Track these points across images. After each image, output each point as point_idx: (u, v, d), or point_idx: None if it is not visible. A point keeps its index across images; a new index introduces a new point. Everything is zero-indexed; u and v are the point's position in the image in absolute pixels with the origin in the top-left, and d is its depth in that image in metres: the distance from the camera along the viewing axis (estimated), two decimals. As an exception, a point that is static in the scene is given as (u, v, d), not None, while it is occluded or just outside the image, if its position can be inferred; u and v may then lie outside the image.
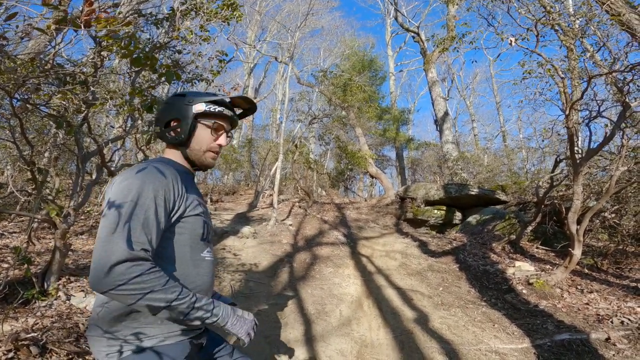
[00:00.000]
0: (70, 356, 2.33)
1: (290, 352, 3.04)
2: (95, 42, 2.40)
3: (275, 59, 12.95)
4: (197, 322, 1.08)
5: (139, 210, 1.00)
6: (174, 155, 1.27)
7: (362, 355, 3.07)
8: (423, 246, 6.67)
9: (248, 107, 1.38)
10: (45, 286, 3.10)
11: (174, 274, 1.12)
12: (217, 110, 1.24)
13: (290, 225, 7.95)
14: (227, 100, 1.29)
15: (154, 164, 1.12)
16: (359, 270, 5.33)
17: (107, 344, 1.07)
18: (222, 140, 1.28)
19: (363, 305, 4.13)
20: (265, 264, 5.35)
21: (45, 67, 2.21)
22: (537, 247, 6.15)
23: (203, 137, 1.25)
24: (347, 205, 10.78)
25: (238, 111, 1.39)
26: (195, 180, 1.36)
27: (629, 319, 3.47)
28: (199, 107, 1.22)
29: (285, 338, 3.29)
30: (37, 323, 2.61)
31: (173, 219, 1.11)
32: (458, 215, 9.04)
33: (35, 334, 2.40)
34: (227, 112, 1.27)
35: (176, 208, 1.11)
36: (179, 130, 1.23)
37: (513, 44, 4.59)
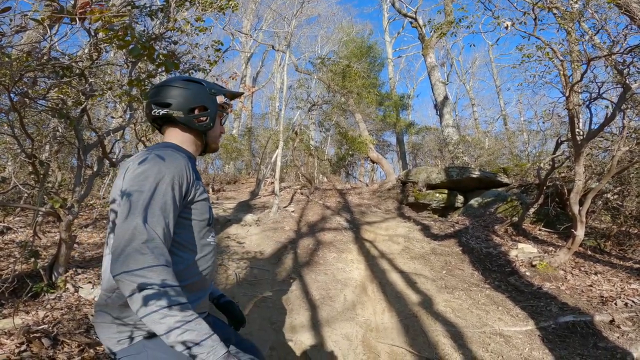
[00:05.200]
0: (82, 347, 2.37)
1: (296, 337, 3.09)
2: (90, 35, 2.38)
3: (272, 47, 12.79)
4: (179, 345, 0.92)
5: (158, 196, 1.02)
6: (181, 140, 1.29)
7: (367, 340, 3.11)
8: (426, 230, 6.70)
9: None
10: (53, 279, 3.14)
11: (186, 259, 1.15)
12: (229, 102, 1.38)
13: (293, 211, 7.98)
14: (232, 92, 1.43)
15: (167, 150, 1.14)
16: (362, 254, 5.38)
17: (117, 330, 1.07)
18: (222, 126, 1.42)
19: (367, 289, 4.17)
20: (269, 251, 5.39)
21: (42, 61, 2.19)
22: (539, 229, 6.17)
23: (218, 125, 1.36)
24: (348, 191, 10.81)
25: None
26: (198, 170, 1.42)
27: (633, 301, 3.48)
28: (221, 98, 1.33)
29: (291, 324, 3.33)
30: (47, 315, 2.65)
31: (184, 205, 1.14)
32: (460, 198, 9.05)
33: (46, 327, 2.44)
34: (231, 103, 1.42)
35: (189, 194, 1.14)
36: (204, 118, 1.29)
37: (509, 28, 4.53)
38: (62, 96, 2.92)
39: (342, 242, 5.95)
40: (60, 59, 2.42)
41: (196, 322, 0.94)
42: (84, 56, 2.61)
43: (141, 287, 0.91)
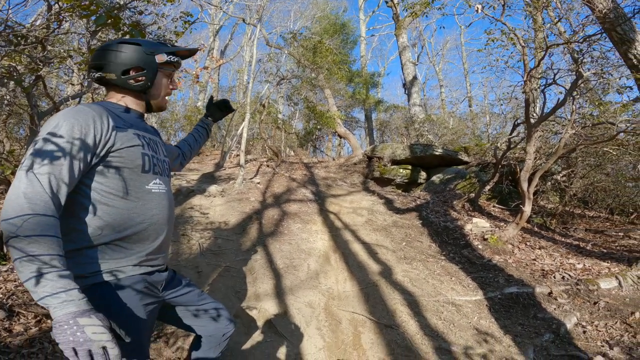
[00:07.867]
0: (39, 318, 2.33)
1: (260, 305, 3.17)
2: (49, 5, 2.24)
3: (243, 20, 12.24)
4: (34, 294, 0.93)
5: (48, 145, 1.03)
6: (117, 99, 1.32)
7: (329, 307, 3.25)
8: (389, 203, 6.91)
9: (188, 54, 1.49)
10: (5, 250, 3.01)
11: (121, 207, 1.16)
12: (175, 60, 1.37)
13: (259, 183, 7.95)
14: (180, 49, 1.42)
15: (81, 104, 1.16)
16: (326, 226, 5.50)
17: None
18: (174, 83, 1.44)
19: (330, 259, 4.31)
20: (234, 222, 5.39)
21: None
22: (493, 206, 6.54)
23: (161, 83, 1.37)
24: (315, 165, 10.86)
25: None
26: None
27: (569, 275, 3.81)
28: (162, 57, 1.33)
29: (255, 292, 3.41)
30: (0, 287, 2.56)
31: (102, 154, 1.13)
32: (423, 174, 9.35)
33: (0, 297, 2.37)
34: (180, 61, 1.41)
35: (103, 142, 1.13)
36: (142, 78, 1.30)
37: (479, 11, 4.63)
38: (13, 64, 2.75)
39: (307, 213, 6.04)
40: (16, 28, 2.26)
41: (54, 274, 0.92)
42: (40, 25, 2.44)
43: (12, 235, 0.92)
